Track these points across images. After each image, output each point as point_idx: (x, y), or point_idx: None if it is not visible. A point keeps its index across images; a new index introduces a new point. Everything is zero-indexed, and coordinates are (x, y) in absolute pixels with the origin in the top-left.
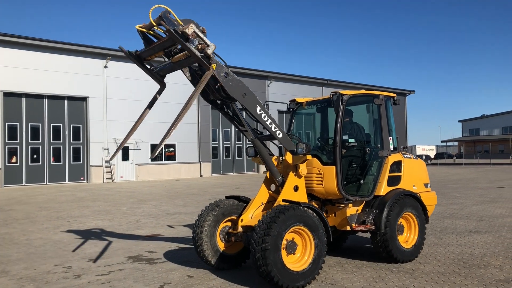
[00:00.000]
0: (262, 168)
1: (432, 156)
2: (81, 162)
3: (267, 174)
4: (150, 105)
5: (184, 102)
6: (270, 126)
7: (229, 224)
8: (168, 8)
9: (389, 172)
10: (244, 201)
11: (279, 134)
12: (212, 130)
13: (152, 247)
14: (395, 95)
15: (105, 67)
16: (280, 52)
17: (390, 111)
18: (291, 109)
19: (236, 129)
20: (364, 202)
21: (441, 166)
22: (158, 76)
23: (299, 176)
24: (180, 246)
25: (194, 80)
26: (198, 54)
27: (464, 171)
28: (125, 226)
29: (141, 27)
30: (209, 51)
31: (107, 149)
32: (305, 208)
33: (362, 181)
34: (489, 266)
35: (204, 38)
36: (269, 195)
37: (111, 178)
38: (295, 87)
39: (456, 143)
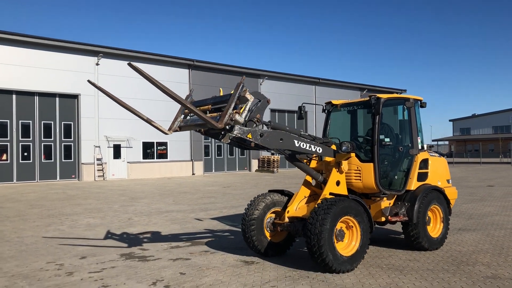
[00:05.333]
0: (254, 166)
1: None
2: (72, 160)
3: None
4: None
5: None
6: (309, 149)
7: (273, 215)
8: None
9: (418, 169)
10: (287, 195)
11: (319, 150)
12: None
13: (144, 244)
14: (421, 98)
15: (97, 64)
16: (272, 50)
17: (418, 113)
18: (326, 111)
19: None
20: (396, 196)
21: None
22: (177, 126)
23: (341, 172)
24: (171, 244)
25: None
26: (229, 112)
27: (454, 170)
28: (117, 224)
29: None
30: (238, 118)
31: (99, 146)
32: (352, 200)
33: (395, 177)
34: (477, 263)
35: (246, 110)
36: (311, 189)
37: (103, 176)
38: (287, 85)
39: (447, 142)
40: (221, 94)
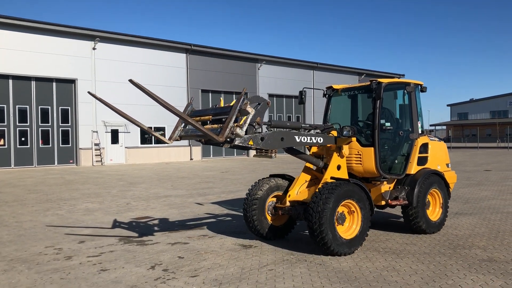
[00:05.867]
0: (252, 152)
1: None
2: (70, 145)
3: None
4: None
5: (173, 86)
6: (311, 141)
7: (274, 199)
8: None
9: (418, 153)
10: (288, 180)
11: (320, 140)
12: None
13: (142, 229)
14: (422, 83)
15: (94, 48)
16: (270, 35)
17: (418, 97)
18: (327, 95)
19: None
20: (396, 179)
21: None
22: (178, 136)
23: (342, 156)
24: (170, 228)
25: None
26: (230, 125)
27: (451, 155)
28: (115, 208)
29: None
30: (239, 131)
31: (96, 131)
32: (353, 184)
33: (396, 161)
34: (473, 246)
35: (247, 123)
36: (312, 174)
37: (101, 161)
38: (285, 70)
39: (444, 127)
40: (222, 104)
